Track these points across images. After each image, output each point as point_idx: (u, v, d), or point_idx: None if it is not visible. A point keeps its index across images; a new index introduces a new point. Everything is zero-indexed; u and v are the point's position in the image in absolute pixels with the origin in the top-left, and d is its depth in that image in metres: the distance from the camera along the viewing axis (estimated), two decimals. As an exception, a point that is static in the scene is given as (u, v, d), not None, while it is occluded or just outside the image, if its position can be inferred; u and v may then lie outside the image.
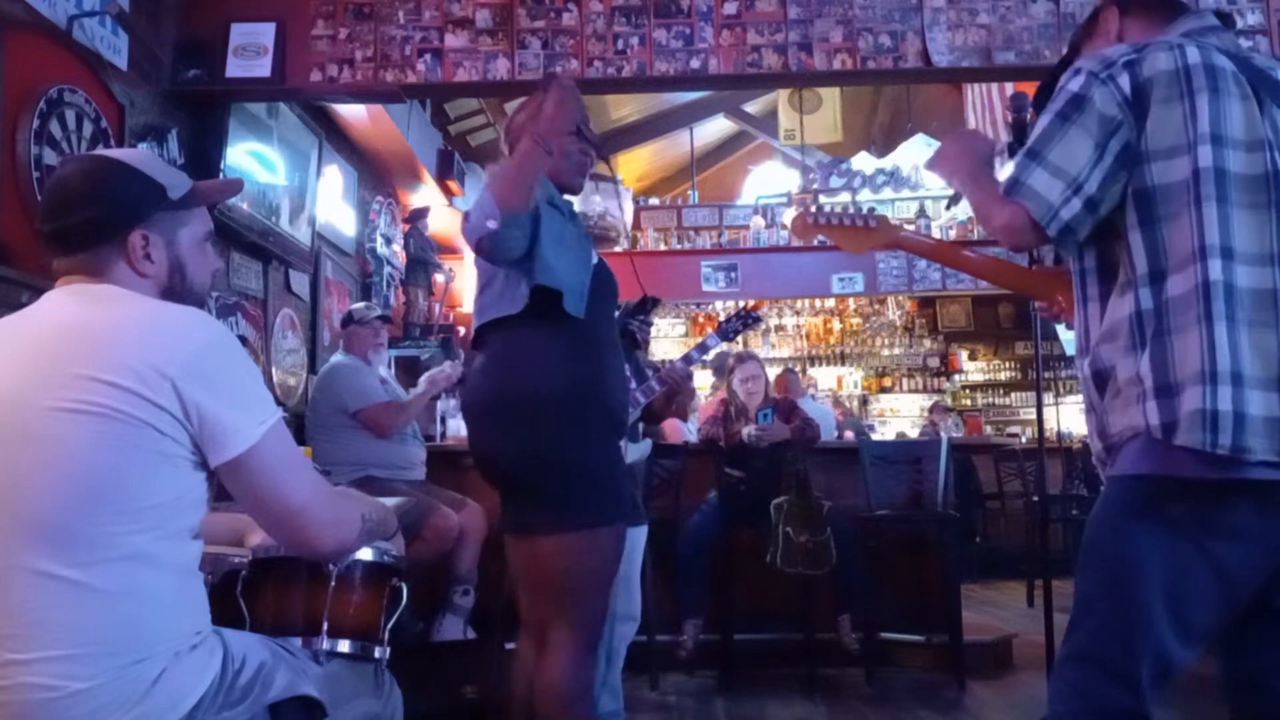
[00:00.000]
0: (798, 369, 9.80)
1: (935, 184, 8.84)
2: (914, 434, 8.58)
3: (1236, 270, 1.25)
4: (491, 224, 1.73)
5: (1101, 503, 1.35)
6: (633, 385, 2.79)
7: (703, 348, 3.01)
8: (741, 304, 9.43)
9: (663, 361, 3.21)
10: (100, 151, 1.46)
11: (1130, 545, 1.29)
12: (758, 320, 3.24)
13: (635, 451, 2.79)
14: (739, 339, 6.51)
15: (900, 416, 9.78)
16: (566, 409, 1.83)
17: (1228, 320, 1.23)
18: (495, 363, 1.90)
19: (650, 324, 2.86)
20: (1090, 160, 1.31)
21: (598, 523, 1.84)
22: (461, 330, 6.09)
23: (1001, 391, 9.91)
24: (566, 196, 2.04)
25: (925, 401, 9.56)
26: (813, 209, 1.81)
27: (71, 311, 1.21)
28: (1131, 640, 1.27)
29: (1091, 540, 1.35)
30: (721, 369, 3.23)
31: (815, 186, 8.91)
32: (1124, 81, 1.32)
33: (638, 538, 2.82)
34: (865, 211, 1.77)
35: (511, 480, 1.90)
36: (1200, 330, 1.24)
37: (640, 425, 2.84)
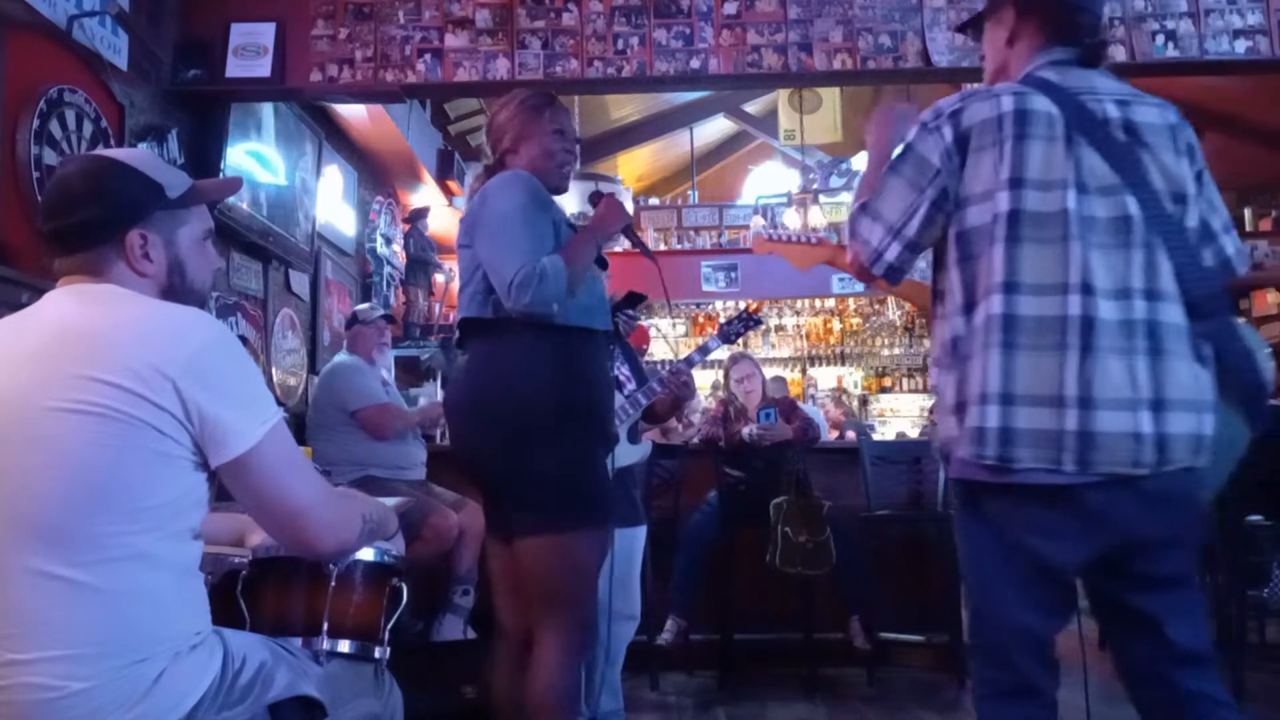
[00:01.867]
0: (797, 370, 9.81)
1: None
2: (914, 434, 8.58)
3: (1021, 301, 1.38)
4: (556, 308, 1.82)
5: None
6: (632, 386, 2.79)
7: (704, 349, 3.01)
8: (742, 305, 9.44)
9: (662, 363, 3.21)
10: (100, 151, 1.46)
11: (968, 539, 1.49)
12: (758, 322, 3.24)
13: (635, 453, 2.79)
14: (740, 340, 6.51)
15: (900, 416, 9.77)
16: (556, 417, 1.84)
17: (1003, 347, 1.38)
18: (484, 363, 1.91)
19: (636, 319, 2.88)
20: (909, 208, 1.48)
21: (582, 526, 1.86)
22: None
23: (1001, 391, 9.89)
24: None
25: (925, 401, 9.55)
26: (769, 229, 2.06)
27: (72, 311, 1.21)
28: (993, 622, 1.45)
29: (958, 543, 1.53)
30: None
31: (815, 186, 8.91)
32: (948, 132, 1.46)
33: (637, 538, 2.82)
34: (814, 231, 1.98)
35: (496, 481, 1.91)
36: (982, 357, 1.40)
37: (639, 425, 2.83)
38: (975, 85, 1.55)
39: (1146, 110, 1.47)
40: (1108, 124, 1.44)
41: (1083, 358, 1.35)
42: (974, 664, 1.49)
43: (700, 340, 3.15)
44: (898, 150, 1.51)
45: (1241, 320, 1.50)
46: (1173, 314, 1.39)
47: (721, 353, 5.05)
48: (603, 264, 2.77)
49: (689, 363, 2.95)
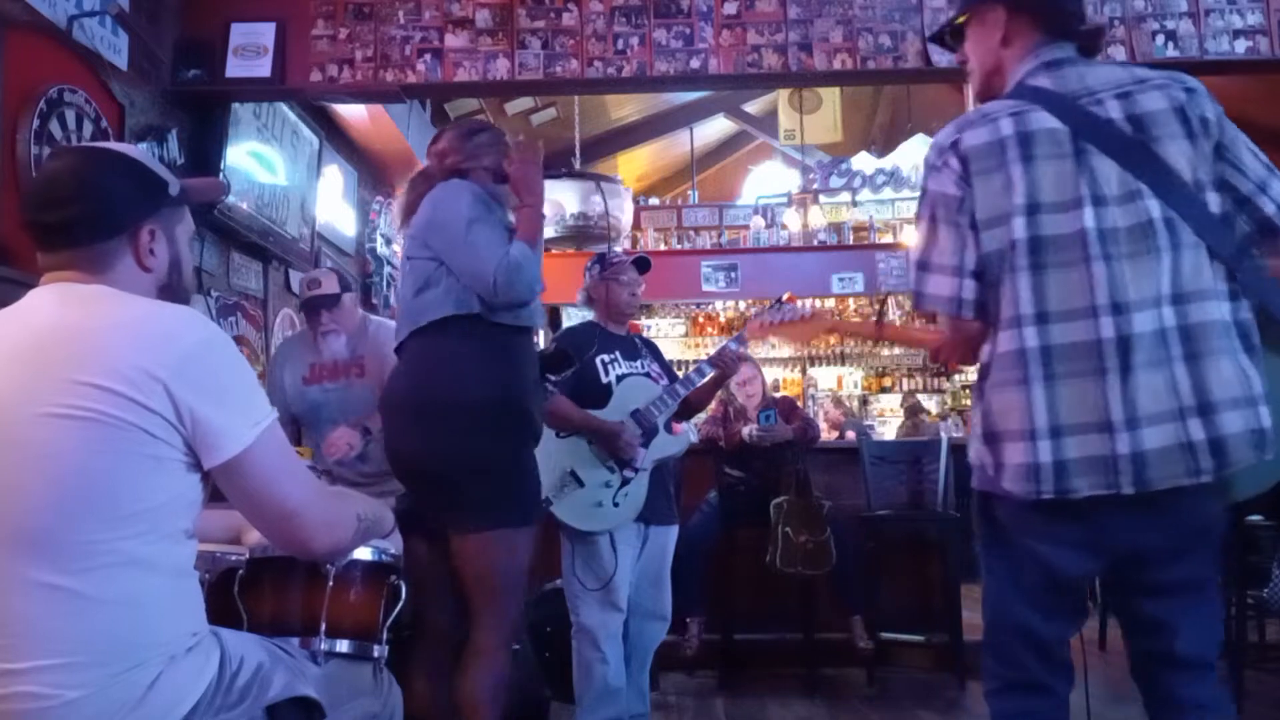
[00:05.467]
0: (797, 370, 9.80)
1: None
2: (914, 433, 8.57)
3: (1053, 331, 1.37)
4: (539, 289, 1.93)
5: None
6: (664, 382, 2.79)
7: (739, 339, 2.99)
8: (744, 305, 9.38)
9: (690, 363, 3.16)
10: (96, 145, 1.45)
11: (985, 546, 1.52)
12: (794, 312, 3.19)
13: (674, 445, 2.77)
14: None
15: (900, 416, 9.76)
16: (489, 414, 1.89)
17: (1045, 381, 1.36)
18: (420, 364, 1.95)
19: (559, 385, 2.63)
20: (958, 244, 1.44)
21: (516, 523, 1.90)
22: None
23: (1002, 391, 9.87)
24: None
25: (926, 401, 9.56)
26: (761, 315, 2.16)
27: (60, 313, 1.18)
28: (1005, 626, 1.48)
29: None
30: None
31: (815, 186, 8.90)
32: (954, 162, 1.45)
33: (670, 536, 2.82)
34: (808, 304, 2.01)
35: (431, 480, 1.92)
36: (1020, 391, 1.38)
37: (671, 422, 2.82)
38: (967, 114, 1.51)
39: (1150, 97, 1.41)
40: (1112, 124, 1.40)
41: (1124, 378, 1.33)
42: (985, 659, 1.52)
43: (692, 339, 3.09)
44: (923, 201, 1.50)
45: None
46: (1209, 311, 1.34)
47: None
48: (644, 265, 2.82)
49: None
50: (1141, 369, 1.33)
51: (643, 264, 2.85)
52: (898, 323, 8.74)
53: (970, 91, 8.19)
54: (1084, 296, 1.35)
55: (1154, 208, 1.36)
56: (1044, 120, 1.41)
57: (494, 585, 1.88)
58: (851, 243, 8.16)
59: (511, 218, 2.08)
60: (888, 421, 9.60)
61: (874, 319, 1.85)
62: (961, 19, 1.60)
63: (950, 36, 1.65)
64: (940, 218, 1.46)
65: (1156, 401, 1.32)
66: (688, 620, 3.73)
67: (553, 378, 2.40)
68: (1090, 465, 1.33)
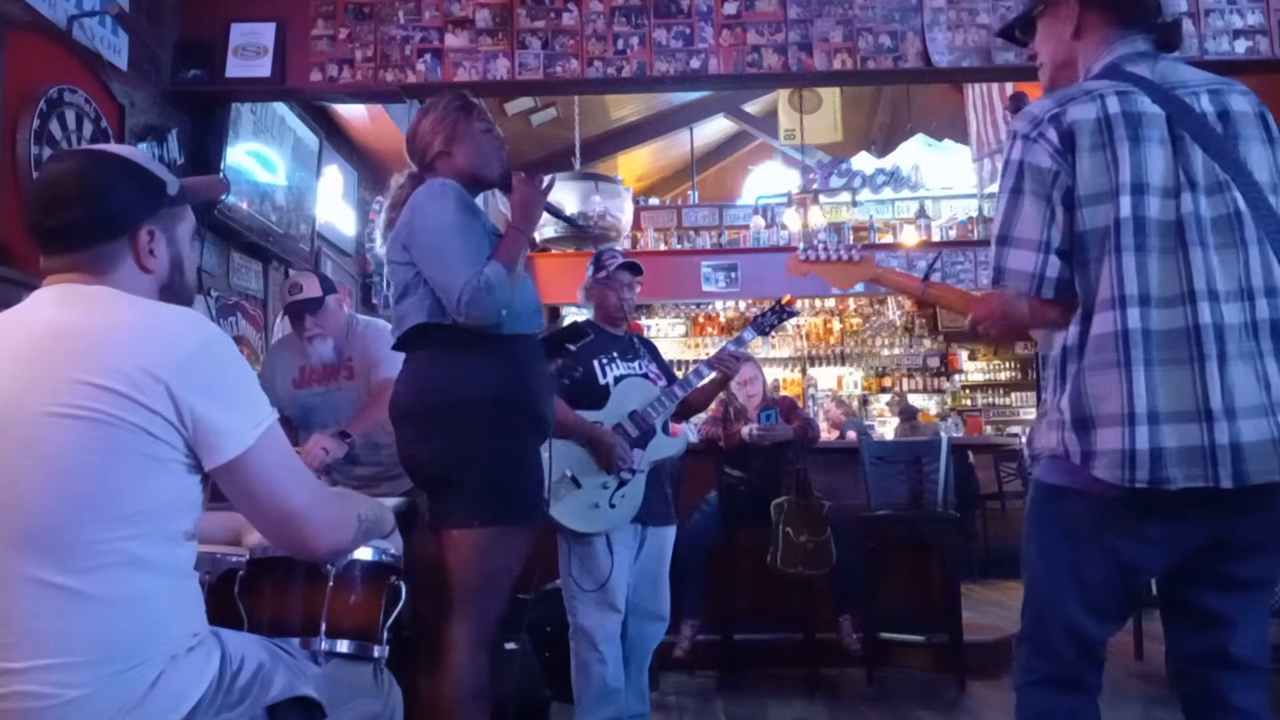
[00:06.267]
0: (797, 370, 9.80)
1: (935, 184, 8.85)
2: (912, 435, 8.57)
3: (1152, 315, 1.34)
4: (504, 313, 1.86)
5: (1028, 504, 1.52)
6: (662, 383, 2.79)
7: (739, 340, 2.98)
8: (744, 306, 9.37)
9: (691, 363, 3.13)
10: (96, 147, 1.45)
11: (1042, 538, 1.47)
12: (793, 314, 3.18)
13: (671, 446, 2.78)
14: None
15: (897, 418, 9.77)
16: (490, 413, 1.87)
17: (1145, 364, 1.32)
18: (422, 370, 1.94)
19: (577, 366, 2.57)
20: (1045, 219, 1.41)
21: (506, 521, 1.87)
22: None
23: (1001, 391, 9.90)
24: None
25: (925, 401, 9.57)
26: (807, 249, 2.02)
27: (63, 313, 1.19)
28: (1049, 620, 1.45)
29: (1024, 539, 1.51)
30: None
31: (815, 186, 8.91)
32: (1051, 134, 1.41)
33: (668, 537, 2.83)
34: (853, 247, 1.91)
35: (431, 479, 1.93)
36: (1119, 374, 1.34)
37: (668, 423, 2.82)
38: (1067, 88, 1.47)
39: (1238, 99, 1.43)
40: (1205, 118, 1.41)
41: (1221, 366, 1.31)
42: (1020, 651, 1.50)
43: (736, 334, 3.06)
44: (1008, 171, 1.45)
45: None
46: None
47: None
48: (633, 270, 2.81)
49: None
50: (1235, 360, 1.31)
51: (632, 268, 2.86)
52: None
53: (970, 93, 8.16)
54: (1183, 282, 1.34)
55: (1239, 200, 1.36)
56: (1146, 104, 1.40)
57: (472, 582, 1.86)
58: (851, 243, 8.16)
59: (500, 208, 2.04)
60: (887, 421, 9.61)
61: (922, 275, 1.81)
62: (1036, 12, 1.58)
63: (1020, 30, 1.63)
64: (1027, 190, 1.42)
65: (1250, 394, 1.31)
66: (682, 622, 3.73)
67: (571, 348, 2.39)
68: (1187, 456, 1.30)
